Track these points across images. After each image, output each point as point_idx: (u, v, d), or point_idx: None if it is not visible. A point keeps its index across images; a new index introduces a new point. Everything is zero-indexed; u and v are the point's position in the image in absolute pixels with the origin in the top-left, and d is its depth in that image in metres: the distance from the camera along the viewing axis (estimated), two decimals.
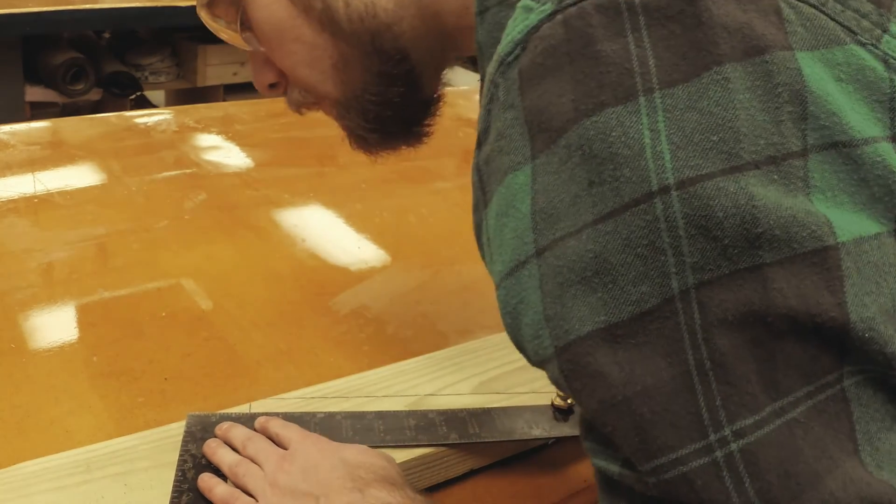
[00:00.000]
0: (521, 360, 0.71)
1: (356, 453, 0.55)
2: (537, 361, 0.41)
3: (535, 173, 0.38)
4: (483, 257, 0.45)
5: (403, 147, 0.62)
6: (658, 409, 0.35)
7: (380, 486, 0.51)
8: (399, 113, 0.57)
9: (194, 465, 0.56)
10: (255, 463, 0.56)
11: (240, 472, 0.55)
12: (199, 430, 0.59)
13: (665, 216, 0.34)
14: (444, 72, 0.61)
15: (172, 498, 0.53)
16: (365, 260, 0.96)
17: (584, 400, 0.38)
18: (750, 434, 0.34)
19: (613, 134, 0.35)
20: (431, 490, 0.60)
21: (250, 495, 0.54)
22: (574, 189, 0.36)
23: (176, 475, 0.55)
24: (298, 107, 0.60)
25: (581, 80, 0.36)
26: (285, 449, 0.56)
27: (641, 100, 0.35)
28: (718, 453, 0.35)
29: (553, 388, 0.65)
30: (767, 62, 0.36)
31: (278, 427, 0.59)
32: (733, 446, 0.34)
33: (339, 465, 0.53)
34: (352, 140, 0.61)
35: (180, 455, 0.57)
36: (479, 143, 0.42)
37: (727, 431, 0.35)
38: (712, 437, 0.35)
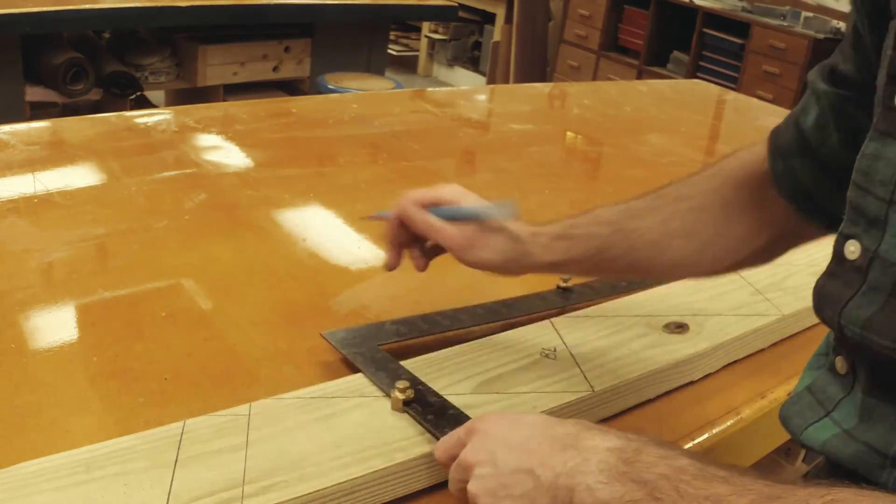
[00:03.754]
0: (521, 360, 0.72)
1: (535, 418, 0.50)
2: None
3: None
4: None
5: None
6: None
7: (588, 433, 0.46)
8: None
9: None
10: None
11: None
12: None
13: None
14: None
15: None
16: (365, 260, 0.96)
17: None
18: None
19: None
20: (432, 490, 0.60)
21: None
22: None
23: None
24: None
25: None
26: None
27: None
28: None
29: (553, 390, 0.65)
30: None
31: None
32: None
33: (530, 434, 0.48)
34: None
35: None
36: None
37: None
38: None
